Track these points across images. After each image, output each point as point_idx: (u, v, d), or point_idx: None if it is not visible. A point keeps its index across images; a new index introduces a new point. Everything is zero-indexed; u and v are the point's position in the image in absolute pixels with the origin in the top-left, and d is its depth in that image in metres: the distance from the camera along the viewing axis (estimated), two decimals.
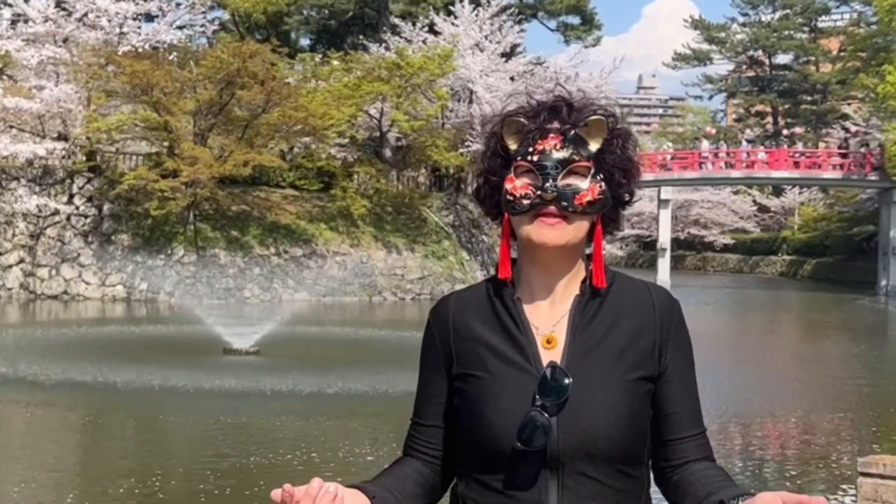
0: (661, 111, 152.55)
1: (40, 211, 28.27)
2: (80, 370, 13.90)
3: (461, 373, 1.81)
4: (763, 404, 13.83)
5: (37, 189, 28.68)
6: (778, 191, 65.63)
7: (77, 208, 29.00)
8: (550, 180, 1.74)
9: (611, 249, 47.55)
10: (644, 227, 66.49)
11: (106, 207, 29.25)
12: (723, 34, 76.81)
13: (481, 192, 1.87)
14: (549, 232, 1.75)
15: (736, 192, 66.60)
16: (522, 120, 1.80)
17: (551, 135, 1.77)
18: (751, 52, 77.03)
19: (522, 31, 42.45)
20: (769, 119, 78.09)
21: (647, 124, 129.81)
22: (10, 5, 31.10)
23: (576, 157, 1.76)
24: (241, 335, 16.95)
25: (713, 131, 74.33)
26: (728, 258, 66.70)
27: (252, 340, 16.78)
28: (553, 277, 1.81)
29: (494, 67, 37.91)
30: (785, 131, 67.09)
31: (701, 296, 39.84)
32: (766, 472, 9.80)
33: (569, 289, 1.81)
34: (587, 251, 1.85)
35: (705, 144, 54.10)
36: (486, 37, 38.76)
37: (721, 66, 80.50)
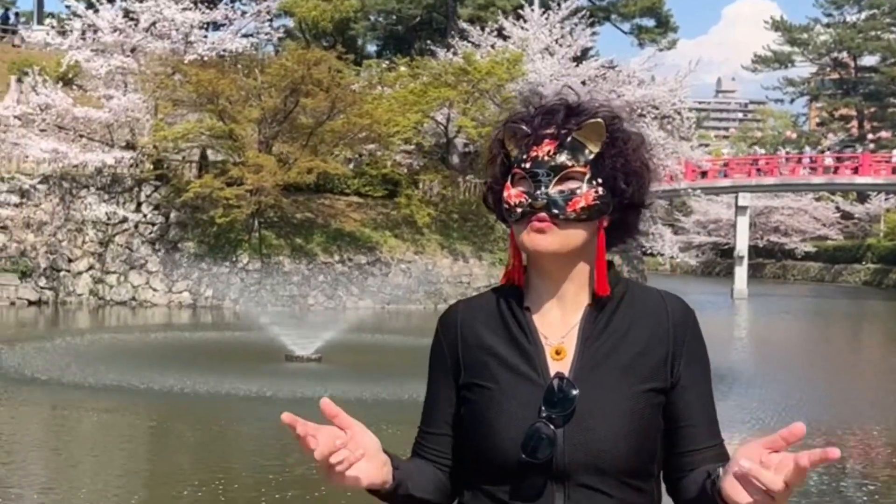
0: (740, 115, 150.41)
1: (109, 218, 29.04)
2: (146, 376, 14.23)
3: (468, 382, 1.81)
4: (846, 416, 13.56)
5: (106, 197, 29.48)
6: (862, 197, 64.27)
7: (145, 216, 29.74)
8: (543, 188, 1.73)
9: (684, 258, 46.94)
10: (721, 235, 65.67)
11: (172, 215, 29.93)
12: (805, 35, 75.49)
13: (488, 199, 1.88)
14: (541, 239, 1.74)
15: (818, 199, 65.39)
16: (521, 126, 1.79)
17: (546, 140, 1.75)
18: (835, 54, 75.57)
19: (595, 34, 42.26)
20: (854, 123, 76.55)
21: (726, 129, 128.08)
22: (81, 17, 32.00)
23: (569, 163, 1.74)
24: (304, 342, 17.21)
25: (794, 136, 73.16)
26: (809, 266, 65.50)
27: (314, 347, 17.04)
28: (559, 286, 1.79)
29: (565, 72, 37.77)
30: (870, 135, 65.74)
31: (781, 305, 39.21)
32: (843, 485, 9.66)
33: (579, 298, 1.80)
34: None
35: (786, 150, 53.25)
36: (556, 40, 38.66)
37: (803, 69, 79.24)
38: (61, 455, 10.27)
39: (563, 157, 1.74)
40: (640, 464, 1.73)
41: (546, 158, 1.74)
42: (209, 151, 32.06)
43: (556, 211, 1.72)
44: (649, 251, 42.83)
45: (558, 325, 1.79)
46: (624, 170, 1.77)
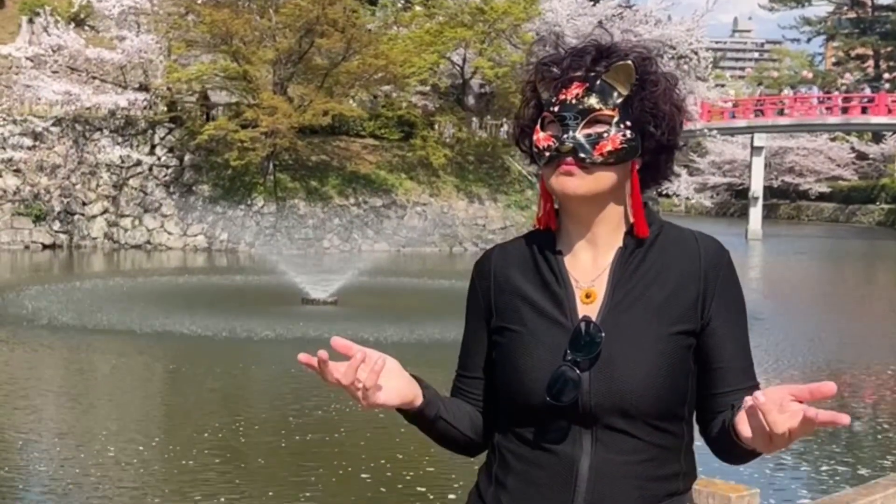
0: (756, 55, 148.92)
1: (123, 161, 28.86)
2: (162, 319, 14.21)
3: (499, 326, 1.81)
4: (858, 355, 13.51)
5: (119, 140, 29.26)
6: (877, 137, 63.61)
7: (159, 159, 29.54)
8: (570, 131, 1.71)
9: (699, 198, 46.68)
10: (736, 175, 65.19)
11: (187, 158, 29.72)
12: None
13: (521, 143, 1.84)
14: (569, 181, 1.72)
15: (833, 139, 64.75)
16: (552, 68, 1.75)
17: (575, 83, 1.73)
18: None
19: None
20: (870, 63, 75.46)
21: (742, 69, 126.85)
22: None
23: (597, 106, 1.71)
24: (320, 285, 17.09)
25: (810, 76, 72.25)
26: (823, 207, 65.07)
27: (330, 290, 16.92)
28: (590, 228, 1.77)
29: (582, 11, 37.22)
30: (886, 75, 64.83)
31: (795, 246, 39.03)
32: (857, 426, 9.55)
33: (611, 241, 1.77)
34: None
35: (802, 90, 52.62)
36: None
37: (820, 8, 78.00)
38: (78, 399, 10.22)
39: (591, 100, 1.72)
40: (669, 406, 1.71)
41: (574, 101, 1.72)
42: (223, 93, 31.72)
43: (582, 155, 1.70)
44: (664, 192, 42.63)
45: (589, 269, 1.78)
46: (653, 112, 1.74)
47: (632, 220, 1.77)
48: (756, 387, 1.76)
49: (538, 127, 1.76)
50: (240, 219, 29.11)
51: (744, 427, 1.56)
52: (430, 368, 12.57)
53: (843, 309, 19.34)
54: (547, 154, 1.73)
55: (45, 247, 27.63)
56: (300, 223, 29.35)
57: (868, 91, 57.87)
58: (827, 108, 48.38)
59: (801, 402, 1.49)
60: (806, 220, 64.06)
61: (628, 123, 1.71)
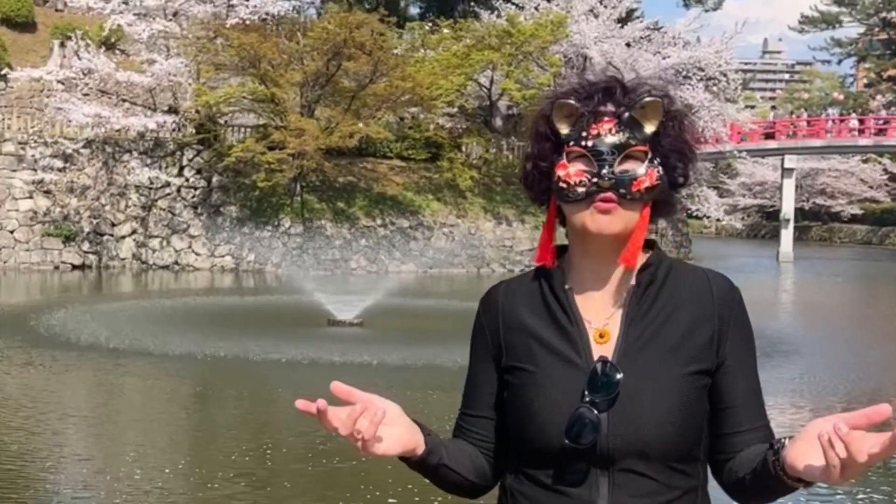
0: (787, 76, 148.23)
1: (152, 183, 29.07)
2: (189, 341, 14.22)
3: (510, 365, 1.79)
4: (893, 382, 13.29)
5: (148, 161, 29.48)
6: None
7: (187, 180, 29.74)
8: (607, 167, 1.70)
9: (730, 220, 46.33)
10: (767, 197, 64.75)
11: (215, 179, 29.91)
12: None
13: (529, 177, 1.82)
14: (605, 220, 1.71)
15: (865, 161, 64.18)
16: (574, 102, 1.74)
17: (605, 118, 1.72)
18: (883, 14, 73.73)
19: None
20: None
21: (773, 90, 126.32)
22: None
23: (632, 142, 1.71)
24: (346, 306, 17.09)
25: (841, 97, 71.75)
26: (856, 229, 64.45)
27: (356, 312, 16.91)
28: (607, 267, 1.76)
29: (610, 33, 37.21)
30: None
31: (827, 268, 38.63)
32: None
33: (624, 280, 1.77)
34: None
35: (832, 111, 52.29)
36: (601, 2, 38.02)
37: (851, 29, 77.50)
38: (103, 422, 10.23)
39: (624, 136, 1.71)
40: (686, 448, 1.70)
41: (609, 137, 1.71)
42: (251, 115, 31.94)
43: (622, 191, 1.69)
44: (694, 214, 42.38)
45: (601, 308, 1.76)
46: (679, 149, 1.76)
47: (628, 250, 1.74)
48: (767, 426, 1.77)
49: (564, 161, 1.73)
50: (267, 240, 29.23)
51: (799, 461, 1.52)
52: (454, 393, 12.50)
53: (882, 332, 19.08)
54: (581, 189, 1.70)
55: (74, 267, 27.85)
56: (327, 244, 29.41)
57: None
58: (859, 131, 48.00)
59: (857, 428, 1.46)
60: (838, 243, 63.45)
61: (658, 160, 1.73)
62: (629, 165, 1.70)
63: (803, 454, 1.52)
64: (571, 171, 1.72)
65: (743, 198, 66.54)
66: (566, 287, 1.78)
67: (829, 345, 16.49)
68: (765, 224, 67.79)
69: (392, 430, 1.66)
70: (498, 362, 1.81)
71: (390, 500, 7.21)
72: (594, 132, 1.71)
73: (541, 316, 1.77)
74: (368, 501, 7.23)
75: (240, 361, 13.06)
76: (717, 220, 44.07)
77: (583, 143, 1.71)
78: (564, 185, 1.72)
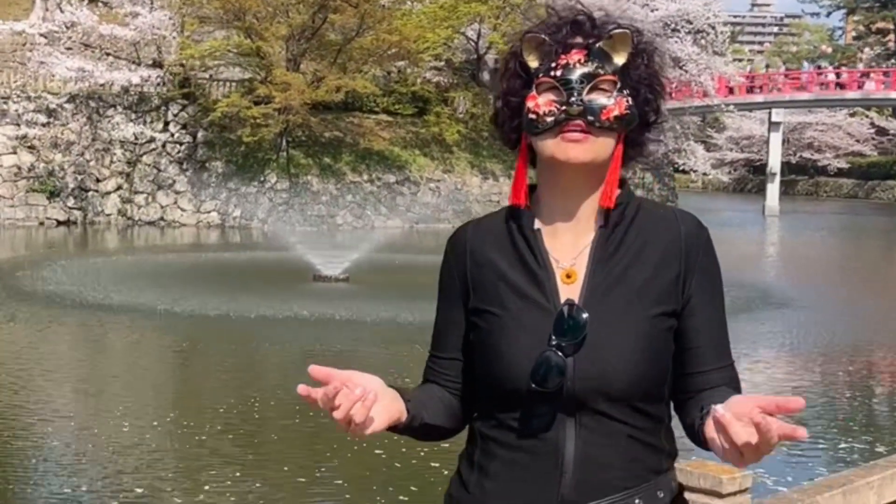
0: (775, 30, 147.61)
1: (136, 138, 28.89)
2: (175, 297, 14.25)
3: (477, 307, 1.78)
4: (876, 336, 13.43)
5: (133, 116, 29.28)
6: None
7: (172, 135, 29.56)
8: (575, 94, 1.69)
9: (716, 174, 46.43)
10: (754, 151, 64.75)
11: (200, 135, 29.74)
12: None
13: (500, 115, 1.80)
14: (575, 148, 1.69)
15: (852, 115, 64.17)
16: (543, 36, 1.74)
17: (574, 49, 1.72)
18: None
19: None
20: (891, 37, 74.60)
21: (761, 43, 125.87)
22: None
23: (601, 72, 1.71)
24: (331, 262, 17.12)
25: (830, 50, 71.60)
26: (842, 183, 64.61)
27: (342, 267, 16.94)
28: (576, 204, 1.75)
29: None
30: None
31: (813, 222, 38.82)
32: (876, 404, 9.52)
33: (592, 219, 1.75)
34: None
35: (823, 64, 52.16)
36: None
37: None
38: (90, 377, 10.30)
39: (593, 66, 1.71)
40: (652, 389, 1.71)
41: (577, 66, 1.71)
42: (237, 69, 31.68)
43: (591, 118, 1.68)
44: (681, 168, 42.42)
45: (570, 247, 1.75)
46: (648, 82, 1.75)
47: (605, 189, 1.73)
48: (731, 366, 1.77)
49: (534, 93, 1.72)
50: (253, 195, 29.16)
51: (713, 437, 1.54)
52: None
53: (866, 287, 19.21)
54: (549, 119, 1.69)
55: (59, 223, 27.75)
56: (313, 200, 29.37)
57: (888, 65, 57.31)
58: (844, 84, 47.98)
59: (769, 414, 1.46)
60: (824, 197, 63.67)
61: (627, 91, 1.72)
62: (597, 95, 1.70)
63: (711, 430, 1.54)
64: (541, 102, 1.71)
65: (730, 152, 66.52)
66: (535, 227, 1.76)
67: (814, 298, 16.62)
68: (751, 178, 67.89)
69: (378, 406, 1.64)
70: (465, 303, 1.80)
71: (377, 451, 7.30)
72: (563, 62, 1.71)
73: (509, 257, 1.76)
74: (356, 453, 7.33)
75: (225, 317, 13.12)
76: (704, 174, 44.19)
77: (552, 73, 1.71)
78: (534, 116, 1.71)
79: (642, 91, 1.74)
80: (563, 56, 1.71)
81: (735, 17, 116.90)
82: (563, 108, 1.69)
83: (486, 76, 35.61)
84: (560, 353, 1.66)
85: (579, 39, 1.72)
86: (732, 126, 64.01)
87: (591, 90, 1.70)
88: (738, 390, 1.73)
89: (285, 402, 8.87)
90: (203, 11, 29.71)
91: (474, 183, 32.21)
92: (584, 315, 1.67)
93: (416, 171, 31.34)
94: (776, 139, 47.28)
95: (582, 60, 1.71)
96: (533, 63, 1.74)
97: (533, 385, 1.66)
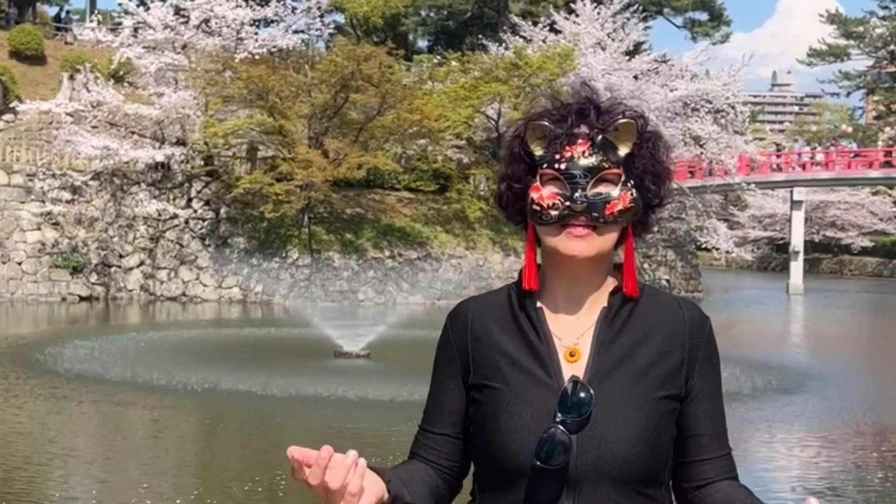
0: (796, 109, 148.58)
1: (160, 215, 29.18)
2: (197, 374, 14.16)
3: (478, 383, 1.78)
4: None
5: (156, 193, 29.62)
6: None
7: (195, 212, 29.85)
8: (580, 190, 1.69)
9: (739, 252, 46.32)
10: (777, 230, 64.66)
11: (223, 211, 30.02)
12: (861, 28, 73.96)
13: (503, 198, 1.82)
14: (579, 244, 1.71)
15: (875, 193, 64.12)
16: (547, 124, 1.74)
17: (579, 140, 1.72)
18: (891, 47, 73.94)
19: (647, 28, 41.84)
20: None
21: (782, 122, 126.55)
22: (132, 14, 32.18)
23: (605, 164, 1.71)
24: (353, 338, 17.08)
25: (850, 130, 71.83)
26: (866, 261, 64.25)
27: (363, 343, 16.89)
28: (580, 288, 1.76)
29: (617, 66, 37.38)
30: None
31: (837, 300, 38.49)
32: None
33: (596, 300, 1.77)
34: (617, 260, 1.80)
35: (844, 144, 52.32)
36: (608, 35, 38.27)
37: (859, 62, 77.60)
38: (113, 453, 10.22)
39: (597, 158, 1.71)
40: (653, 472, 1.70)
41: (582, 160, 1.70)
42: (260, 147, 32.09)
43: (595, 214, 1.69)
44: (703, 246, 42.36)
45: (572, 326, 1.76)
46: (653, 171, 1.76)
47: (622, 278, 1.76)
48: (729, 455, 1.78)
49: (537, 184, 1.73)
50: (275, 271, 29.28)
51: None
52: None
53: (891, 366, 18.96)
54: (554, 213, 1.70)
55: (81, 299, 27.89)
56: (335, 275, 29.46)
57: None
58: (868, 163, 48.04)
59: None
60: (848, 275, 63.28)
61: (632, 182, 1.73)
62: (603, 188, 1.70)
63: None
64: (545, 194, 1.71)
65: (753, 230, 66.45)
66: (538, 306, 1.77)
67: (841, 377, 16.39)
68: (775, 256, 67.67)
69: (368, 478, 1.62)
70: (465, 379, 1.80)
71: None
72: (567, 154, 1.70)
73: (510, 333, 1.77)
74: None
75: (247, 394, 13.00)
76: (727, 252, 44.01)
77: (556, 165, 1.71)
78: (538, 208, 1.72)
79: (647, 180, 1.75)
80: (567, 148, 1.71)
81: (755, 96, 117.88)
82: (568, 203, 1.69)
83: None
84: (565, 430, 1.66)
85: (584, 129, 1.72)
86: (755, 204, 64.04)
87: (595, 183, 1.70)
88: (735, 478, 1.76)
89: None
90: (227, 91, 30.23)
91: (496, 259, 32.25)
92: (590, 392, 1.67)
93: (437, 248, 31.43)
94: (798, 217, 47.19)
95: (587, 153, 1.70)
96: (537, 151, 1.74)
97: (537, 462, 1.65)
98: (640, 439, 1.66)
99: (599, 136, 1.71)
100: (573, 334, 1.75)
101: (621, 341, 1.73)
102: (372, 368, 15.60)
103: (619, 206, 1.70)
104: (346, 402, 12.66)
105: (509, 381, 1.73)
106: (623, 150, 1.72)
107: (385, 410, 12.22)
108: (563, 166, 1.70)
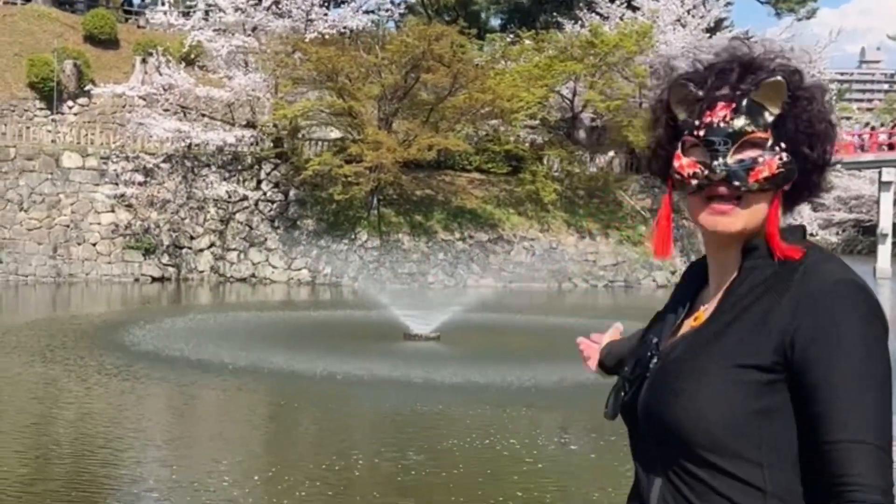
0: (885, 87, 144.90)
1: (230, 197, 29.66)
2: (266, 355, 14.39)
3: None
4: None
5: (226, 175, 30.11)
6: None
7: (264, 194, 30.27)
8: (720, 157, 1.61)
9: (824, 235, 45.46)
10: (863, 211, 63.29)
11: (292, 193, 30.38)
12: None
13: (653, 165, 1.78)
14: (722, 220, 1.64)
15: None
16: (689, 87, 1.66)
17: (720, 104, 1.63)
18: None
19: (729, 3, 41.21)
20: None
21: (870, 101, 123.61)
22: None
23: (749, 129, 1.61)
24: (422, 320, 17.16)
25: None
26: None
27: (433, 326, 16.97)
28: (725, 255, 1.70)
29: (697, 43, 36.55)
30: None
31: None
32: None
33: (736, 266, 1.73)
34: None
35: None
36: (688, 11, 37.73)
37: None
38: (187, 432, 10.43)
39: (740, 122, 1.61)
40: (723, 440, 1.58)
41: (722, 125, 1.62)
42: (329, 128, 32.37)
43: (736, 183, 1.61)
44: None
45: (713, 292, 1.74)
46: (808, 131, 1.64)
47: (773, 247, 1.65)
48: (875, 446, 1.52)
49: (679, 152, 1.67)
50: (343, 253, 29.56)
51: None
52: (531, 410, 12.42)
53: None
54: (694, 182, 1.64)
55: (153, 279, 28.53)
56: (404, 257, 29.64)
57: None
58: None
59: None
60: None
61: (783, 145, 1.62)
62: (746, 154, 1.61)
63: None
64: (685, 163, 1.65)
65: (838, 212, 65.12)
66: (694, 270, 1.86)
67: None
68: (861, 239, 66.23)
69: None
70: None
71: None
72: (707, 120, 1.63)
73: (677, 297, 1.86)
74: None
75: (315, 376, 13.13)
76: (812, 234, 43.15)
77: (696, 132, 1.64)
78: (679, 178, 1.67)
79: (801, 142, 1.64)
80: (707, 113, 1.64)
81: (842, 73, 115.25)
82: (706, 172, 1.62)
83: (581, 134, 35.70)
84: (627, 385, 1.76)
85: (726, 91, 1.63)
86: (840, 185, 62.73)
87: (738, 149, 1.62)
88: (882, 489, 1.51)
89: (387, 460, 8.87)
90: (297, 73, 30.52)
91: (570, 242, 32.10)
92: (655, 353, 1.74)
93: (509, 230, 31.40)
94: (887, 199, 46.08)
95: (728, 117, 1.62)
96: (680, 115, 1.68)
97: (605, 409, 1.81)
98: (710, 407, 1.58)
99: (744, 99, 1.62)
100: (713, 298, 1.72)
101: (730, 306, 1.65)
102: (442, 351, 15.65)
103: (765, 173, 1.60)
104: (416, 384, 12.71)
105: (647, 336, 1.87)
106: (772, 112, 1.61)
107: (457, 393, 12.26)
108: (702, 133, 1.63)
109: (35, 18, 38.45)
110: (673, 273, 32.74)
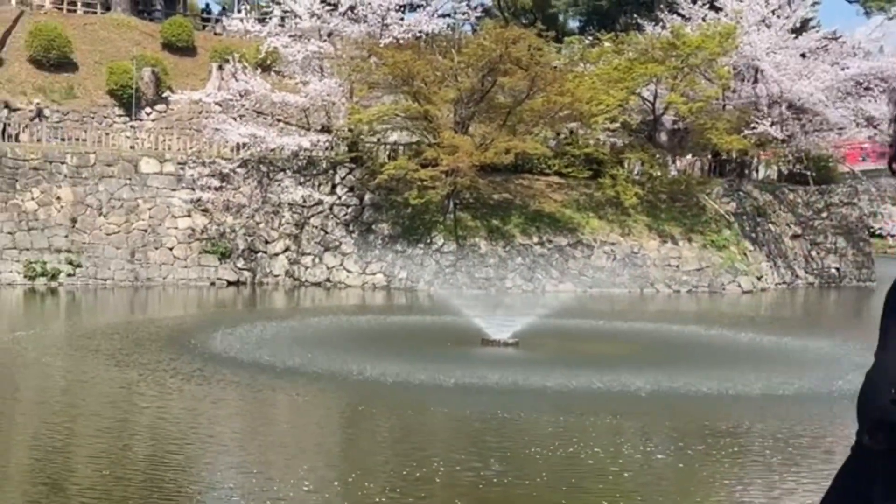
0: None
1: (305, 201, 29.75)
2: (342, 360, 14.28)
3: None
4: None
5: (301, 180, 30.20)
6: None
7: (339, 198, 30.28)
8: None
9: None
10: None
11: (367, 197, 30.36)
12: None
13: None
14: None
15: None
16: None
17: None
18: None
19: (816, 3, 40.15)
20: None
21: None
22: (280, 3, 32.83)
23: None
24: (500, 326, 16.89)
25: None
26: None
27: (511, 332, 16.67)
28: None
29: (783, 44, 36.09)
30: None
31: None
32: None
33: None
34: None
35: None
36: (773, 11, 36.92)
37: None
38: (265, 437, 10.34)
39: None
40: None
41: None
42: (404, 133, 32.28)
43: None
44: (877, 232, 40.58)
45: None
46: None
47: None
48: None
49: None
50: (419, 257, 29.40)
51: None
52: (621, 420, 12.07)
53: None
54: None
55: (229, 283, 28.70)
56: (481, 262, 29.39)
57: None
58: None
59: None
60: None
61: None
62: None
63: None
64: None
65: None
66: None
67: None
68: None
69: None
70: None
71: None
72: None
73: None
74: None
75: (391, 382, 12.94)
76: None
77: None
78: None
79: None
80: None
81: None
82: None
83: (663, 137, 35.09)
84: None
85: None
86: None
87: None
88: None
89: (466, 469, 8.65)
90: (372, 77, 30.51)
91: (652, 246, 31.51)
92: None
93: (588, 234, 30.95)
94: None
95: None
96: None
97: (866, 438, 1.54)
98: None
99: None
100: None
101: None
102: (521, 357, 15.39)
103: None
104: (495, 390, 12.47)
105: (886, 344, 1.67)
106: None
107: (537, 400, 11.95)
108: None
109: (115, 27, 39.15)
110: (759, 278, 31.99)
